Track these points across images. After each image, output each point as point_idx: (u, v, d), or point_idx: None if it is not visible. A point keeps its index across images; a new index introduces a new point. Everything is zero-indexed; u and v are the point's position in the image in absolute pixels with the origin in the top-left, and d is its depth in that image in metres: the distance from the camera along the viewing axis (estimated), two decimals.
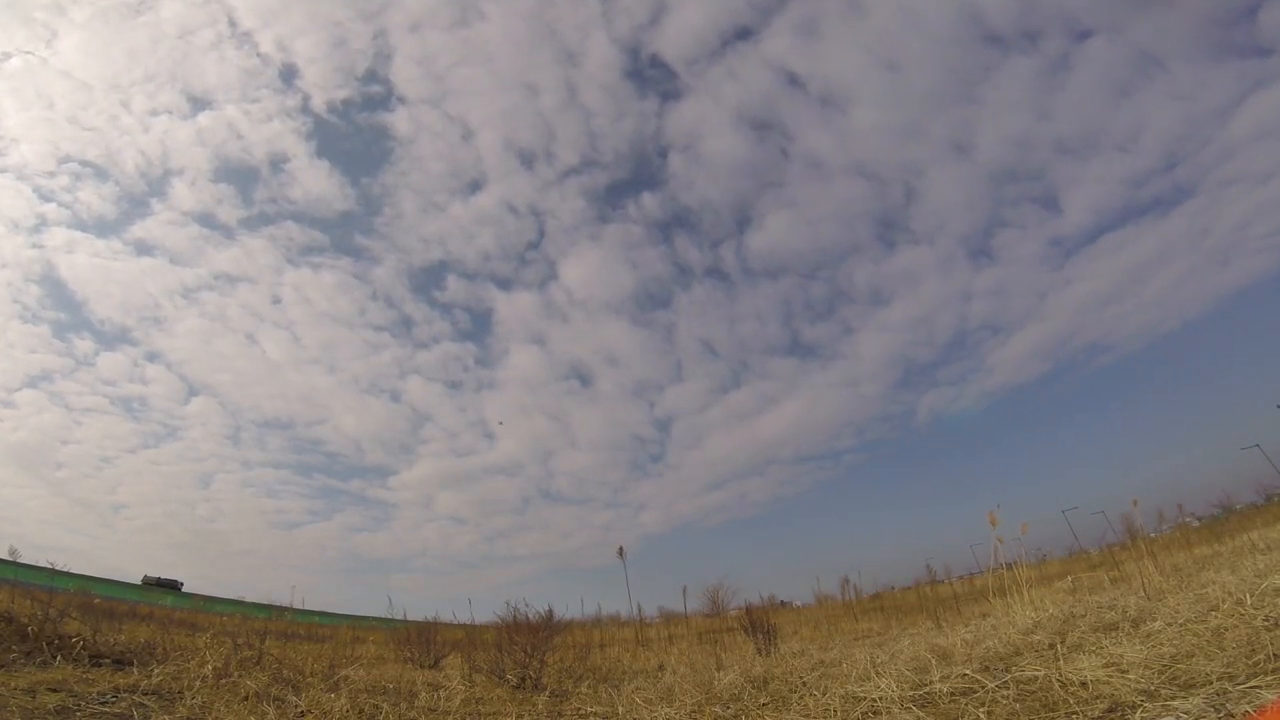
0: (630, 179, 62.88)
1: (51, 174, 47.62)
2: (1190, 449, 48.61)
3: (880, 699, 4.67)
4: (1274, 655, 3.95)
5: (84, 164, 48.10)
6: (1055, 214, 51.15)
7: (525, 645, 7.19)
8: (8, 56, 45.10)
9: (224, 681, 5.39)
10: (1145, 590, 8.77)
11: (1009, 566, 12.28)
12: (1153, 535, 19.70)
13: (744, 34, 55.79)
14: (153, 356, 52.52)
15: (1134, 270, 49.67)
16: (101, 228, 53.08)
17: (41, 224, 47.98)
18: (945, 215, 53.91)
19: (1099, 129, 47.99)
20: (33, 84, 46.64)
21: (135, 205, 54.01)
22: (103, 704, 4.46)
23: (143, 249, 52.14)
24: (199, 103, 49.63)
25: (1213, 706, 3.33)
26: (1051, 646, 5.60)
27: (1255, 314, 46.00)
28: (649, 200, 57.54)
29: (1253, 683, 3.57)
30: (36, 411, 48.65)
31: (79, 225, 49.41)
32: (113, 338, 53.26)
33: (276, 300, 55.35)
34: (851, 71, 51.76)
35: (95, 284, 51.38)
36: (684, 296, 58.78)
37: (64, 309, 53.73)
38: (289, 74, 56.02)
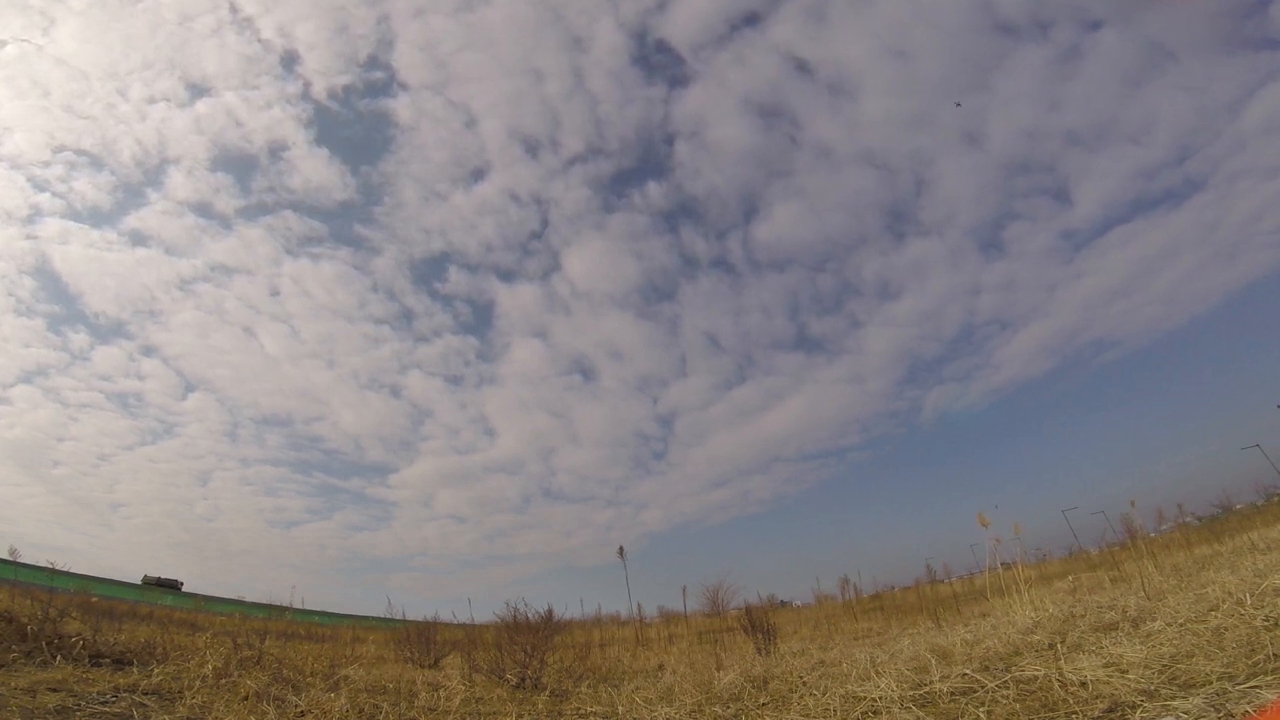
0: (636, 167, 61.90)
1: (46, 163, 47.30)
2: (1190, 449, 48.56)
3: (880, 699, 4.68)
4: (1274, 655, 3.95)
5: (79, 153, 47.78)
6: (1066, 206, 50.85)
7: (525, 645, 7.19)
8: (3, 44, 44.81)
9: (224, 681, 5.39)
10: (1145, 590, 8.77)
11: (1008, 566, 12.32)
12: (1153, 535, 19.71)
13: (752, 19, 55.54)
14: (149, 351, 52.16)
15: (1143, 264, 49.49)
16: (96, 218, 52.51)
17: (36, 214, 47.63)
18: (955, 206, 53.55)
19: (1110, 120, 47.80)
20: (28, 72, 46.33)
21: (131, 195, 53.71)
22: (103, 704, 4.46)
23: (138, 240, 51.79)
24: (197, 90, 49.30)
25: (1213, 706, 3.33)
26: (1051, 646, 5.60)
27: (1259, 310, 45.97)
28: (654, 189, 57.11)
29: (1253, 683, 3.57)
30: (32, 408, 48.41)
31: (73, 216, 48.98)
32: (108, 331, 52.69)
33: (275, 292, 55.00)
34: (861, 58, 51.42)
35: (90, 276, 50.94)
36: (689, 288, 58.35)
37: (59, 302, 53.51)
38: (290, 60, 55.39)
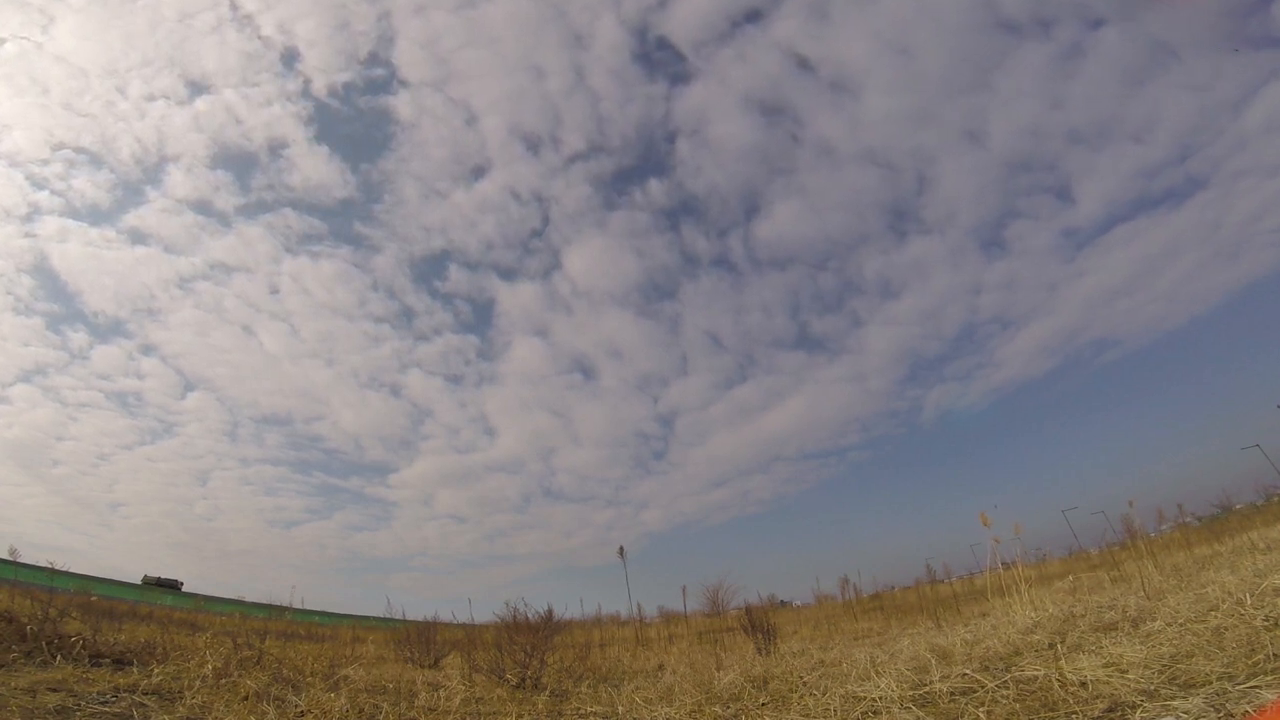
0: (637, 165, 61.25)
1: (45, 161, 47.06)
2: (1190, 449, 48.52)
3: (880, 699, 4.68)
4: (1274, 655, 3.95)
5: (78, 151, 47.55)
6: (1068, 204, 50.64)
7: (525, 645, 7.19)
8: (2, 42, 44.77)
9: (224, 681, 5.39)
10: (1145, 590, 8.77)
11: (1008, 566, 12.32)
12: (1153, 535, 19.68)
13: (753, 16, 55.18)
14: (148, 350, 51.92)
15: (1145, 263, 49.25)
16: (95, 216, 52.15)
17: (34, 212, 47.38)
18: (957, 205, 53.24)
19: (1112, 119, 47.72)
20: (27, 69, 46.14)
21: (130, 193, 53.49)
22: (103, 704, 4.46)
23: (137, 238, 51.46)
24: (197, 87, 49.01)
25: (1213, 706, 3.33)
26: (1051, 646, 5.61)
27: (1260, 310, 45.90)
28: (655, 187, 56.75)
29: (1253, 683, 3.57)
30: (31, 407, 48.21)
31: (72, 214, 48.72)
32: (107, 330, 52.36)
33: (274, 290, 54.74)
34: (863, 56, 51.09)
35: (88, 274, 50.61)
36: (690, 287, 57.99)
37: (57, 300, 53.12)
38: (290, 57, 54.50)
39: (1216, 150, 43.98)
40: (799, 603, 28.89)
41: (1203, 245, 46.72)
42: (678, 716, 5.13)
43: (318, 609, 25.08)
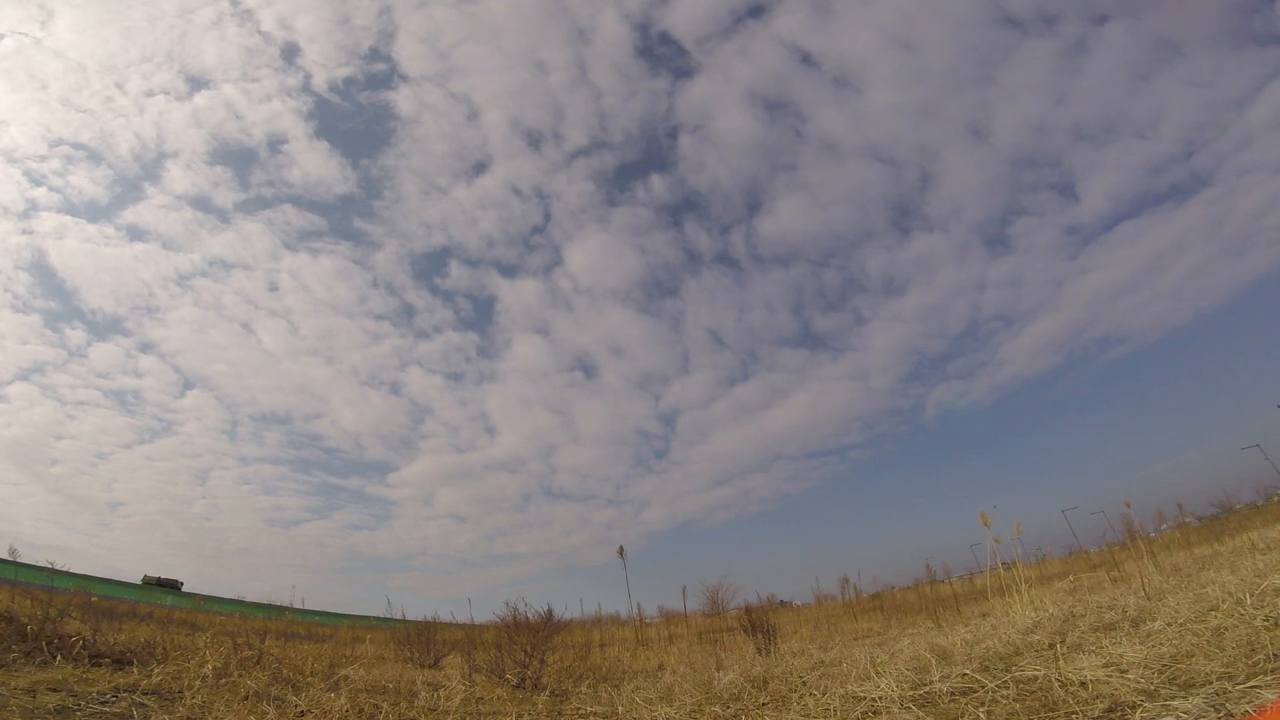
0: (639, 161, 60.78)
1: (43, 157, 47.09)
2: (1190, 449, 48.55)
3: (880, 699, 4.68)
4: (1274, 655, 3.96)
5: (76, 147, 47.55)
6: (1072, 201, 50.54)
7: (525, 645, 7.19)
8: (1, 37, 44.90)
9: (224, 681, 5.40)
10: (1145, 590, 8.78)
11: (1008, 566, 12.33)
12: (1153, 535, 19.71)
13: (756, 11, 55.33)
14: (146, 347, 51.78)
15: (1150, 260, 49.21)
16: (93, 212, 52.03)
17: (32, 209, 47.36)
18: (961, 201, 53.17)
19: (1117, 115, 47.68)
20: (25, 65, 46.14)
21: (128, 189, 53.50)
22: (103, 704, 4.46)
23: (135, 234, 51.41)
24: (196, 83, 48.96)
25: (1213, 706, 3.34)
26: (1051, 646, 5.61)
27: (1263, 308, 45.86)
28: (658, 183, 56.61)
29: (1253, 683, 3.57)
30: (29, 405, 48.13)
31: (70, 210, 48.71)
32: (105, 328, 52.14)
33: (273, 287, 54.64)
34: (866, 51, 50.97)
35: (86, 271, 50.50)
36: (692, 284, 57.83)
37: (55, 298, 52.94)
38: (290, 52, 54.39)
39: (1221, 146, 43.96)
40: (799, 603, 28.91)
41: (1208, 242, 46.71)
42: (678, 716, 5.14)
43: (318, 609, 25.09)
